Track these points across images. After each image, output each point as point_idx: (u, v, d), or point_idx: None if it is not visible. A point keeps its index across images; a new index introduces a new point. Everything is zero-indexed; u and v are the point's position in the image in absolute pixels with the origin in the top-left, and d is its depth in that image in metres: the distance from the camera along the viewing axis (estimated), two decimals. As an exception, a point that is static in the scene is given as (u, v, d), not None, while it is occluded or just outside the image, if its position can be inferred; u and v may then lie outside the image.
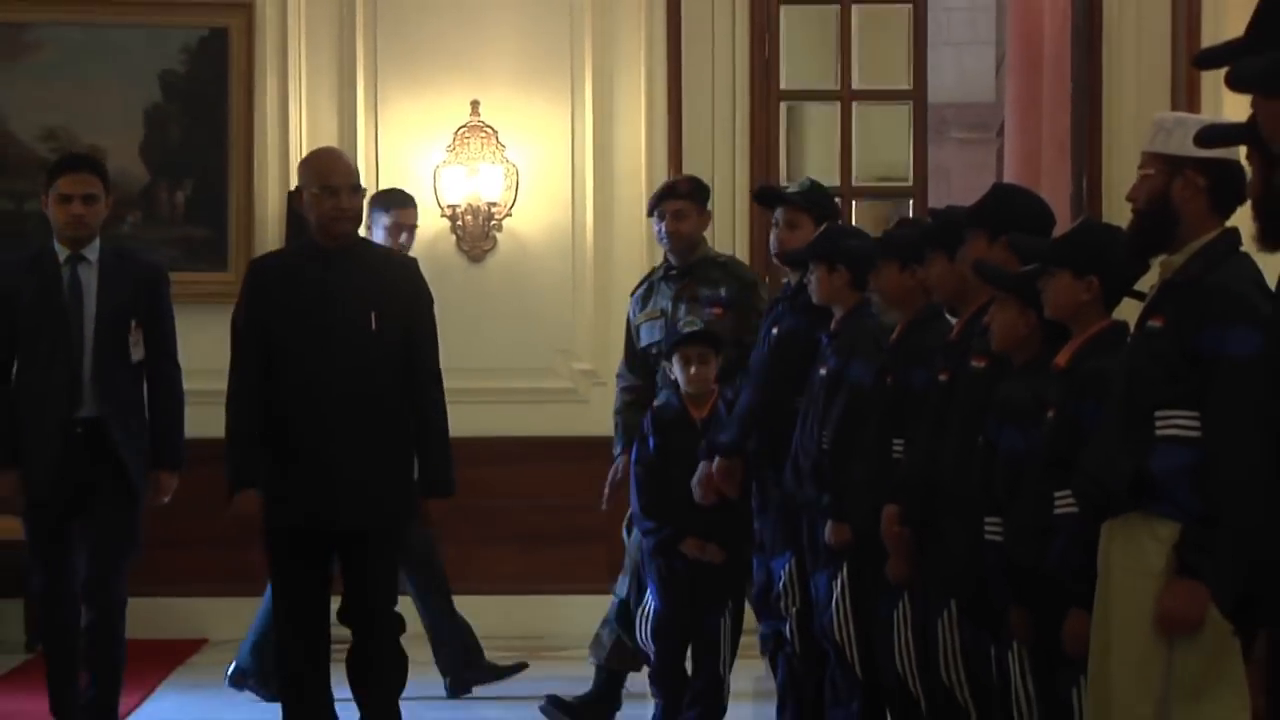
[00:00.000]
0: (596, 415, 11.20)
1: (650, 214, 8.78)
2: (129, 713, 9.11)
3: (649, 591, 8.21)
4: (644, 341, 8.62)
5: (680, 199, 8.59)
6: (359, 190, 7.19)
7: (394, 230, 9.50)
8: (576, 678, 10.16)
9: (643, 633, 8.25)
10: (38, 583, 7.79)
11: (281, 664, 7.18)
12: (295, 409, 6.99)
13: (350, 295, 6.98)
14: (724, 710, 8.22)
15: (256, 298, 7.12)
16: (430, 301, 7.35)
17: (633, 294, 8.94)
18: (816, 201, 8.31)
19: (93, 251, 7.75)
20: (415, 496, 7.23)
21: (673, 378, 8.27)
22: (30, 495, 7.64)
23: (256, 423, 7.08)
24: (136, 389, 7.79)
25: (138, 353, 7.72)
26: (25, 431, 7.65)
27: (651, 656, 8.25)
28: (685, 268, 8.57)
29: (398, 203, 9.74)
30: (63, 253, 7.73)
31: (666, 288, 8.62)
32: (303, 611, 7.06)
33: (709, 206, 8.96)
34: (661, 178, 11.23)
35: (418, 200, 11.03)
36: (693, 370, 8.06)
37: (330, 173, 7.10)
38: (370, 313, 6.98)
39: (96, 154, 11.04)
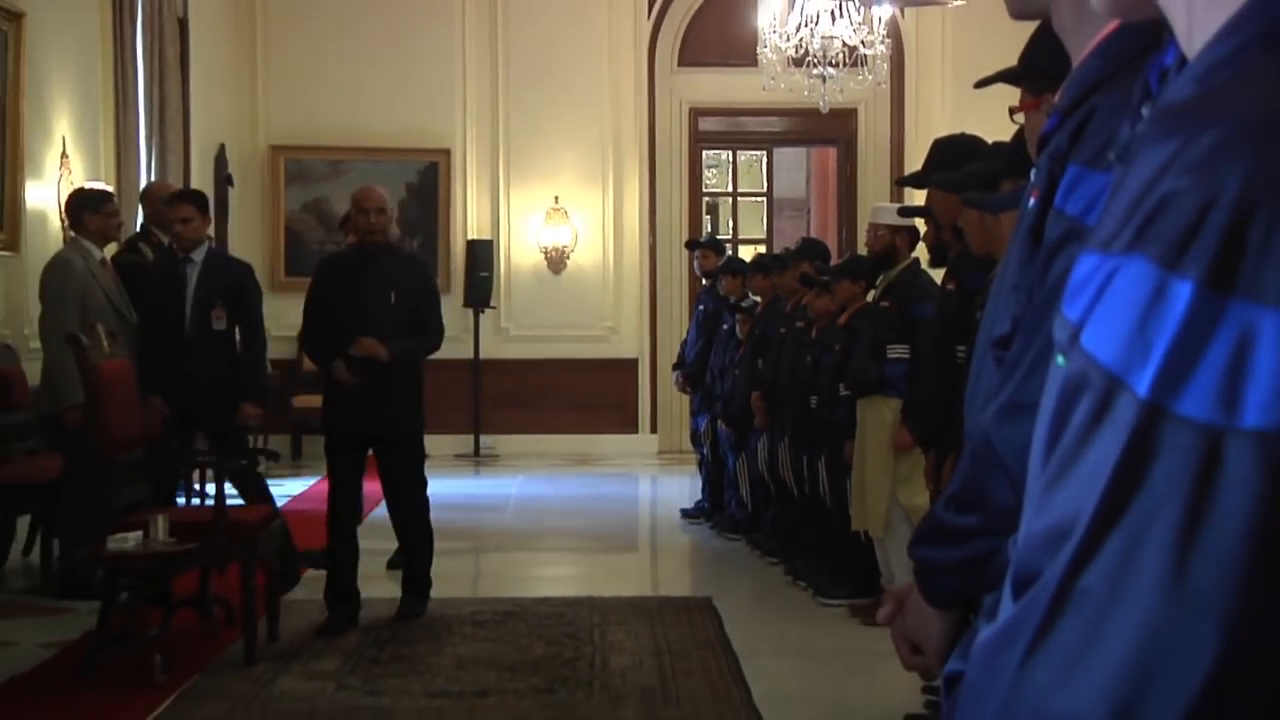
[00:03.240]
0: (614, 348, 11.16)
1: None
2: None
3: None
4: None
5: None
6: (384, 212, 5.52)
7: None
8: (605, 475, 10.09)
9: (731, 470, 7.35)
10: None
11: (330, 520, 5.47)
12: (340, 356, 5.43)
13: (378, 282, 5.46)
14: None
15: (318, 281, 5.58)
16: (432, 282, 5.81)
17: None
18: (717, 245, 8.34)
19: (199, 254, 5.84)
20: (422, 416, 5.61)
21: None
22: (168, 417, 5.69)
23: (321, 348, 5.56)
24: (224, 348, 5.83)
25: (219, 324, 5.80)
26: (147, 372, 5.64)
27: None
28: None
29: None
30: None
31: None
32: (343, 489, 5.49)
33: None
34: (648, 238, 11.19)
35: (528, 246, 11.06)
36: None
37: (363, 199, 5.53)
38: (390, 293, 5.46)
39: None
